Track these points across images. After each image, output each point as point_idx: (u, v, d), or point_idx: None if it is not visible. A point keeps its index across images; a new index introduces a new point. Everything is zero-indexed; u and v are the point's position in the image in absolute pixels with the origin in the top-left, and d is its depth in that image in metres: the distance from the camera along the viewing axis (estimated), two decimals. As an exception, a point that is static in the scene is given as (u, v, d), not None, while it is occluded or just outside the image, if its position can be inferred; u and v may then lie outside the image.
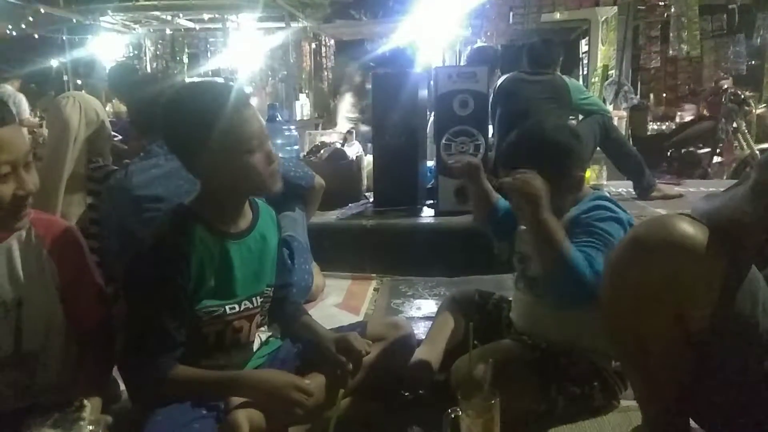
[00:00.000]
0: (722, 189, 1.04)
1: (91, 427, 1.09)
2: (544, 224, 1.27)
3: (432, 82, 3.26)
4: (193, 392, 1.19)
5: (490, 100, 3.20)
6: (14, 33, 7.62)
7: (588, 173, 3.32)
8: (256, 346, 1.40)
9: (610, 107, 5.39)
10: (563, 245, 1.25)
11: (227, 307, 1.29)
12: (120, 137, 3.27)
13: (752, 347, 0.94)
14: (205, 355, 1.29)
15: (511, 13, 6.52)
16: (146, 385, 1.23)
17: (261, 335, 1.43)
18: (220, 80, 4.63)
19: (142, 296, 1.23)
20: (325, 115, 8.30)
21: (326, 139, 4.14)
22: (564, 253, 1.24)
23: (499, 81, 3.39)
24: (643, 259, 0.97)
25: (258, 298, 1.36)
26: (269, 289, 1.40)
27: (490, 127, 3.28)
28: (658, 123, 6.33)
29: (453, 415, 1.13)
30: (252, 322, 1.36)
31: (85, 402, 1.12)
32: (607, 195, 1.49)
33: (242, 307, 1.32)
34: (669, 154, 5.18)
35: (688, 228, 0.95)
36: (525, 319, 1.55)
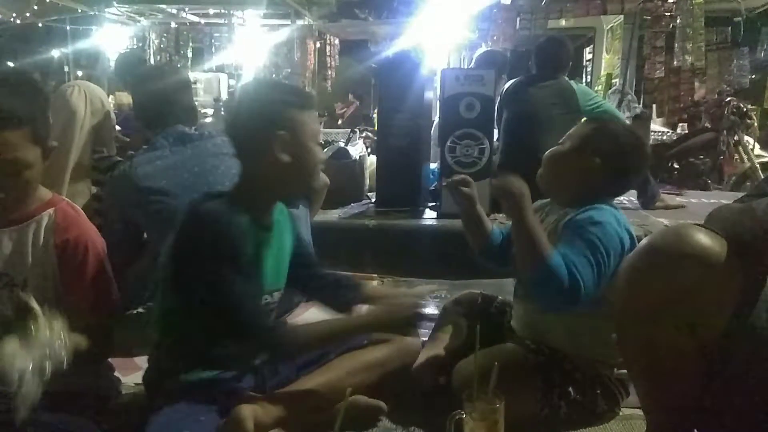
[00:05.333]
0: (725, 201, 1.03)
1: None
2: (526, 225, 1.29)
3: (438, 84, 3.24)
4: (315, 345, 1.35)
5: (497, 104, 3.19)
6: (18, 21, 7.58)
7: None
8: None
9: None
10: (543, 248, 1.26)
11: None
12: (121, 129, 3.25)
13: (765, 362, 0.93)
14: (221, 344, 1.29)
15: (518, 18, 6.52)
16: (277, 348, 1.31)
17: None
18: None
19: (220, 272, 1.20)
20: (327, 115, 8.30)
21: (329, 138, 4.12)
22: (544, 256, 1.25)
23: (506, 85, 3.37)
24: (659, 269, 0.96)
25: (277, 293, 1.39)
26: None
27: (495, 132, 3.26)
28: (660, 133, 6.33)
29: (457, 418, 1.13)
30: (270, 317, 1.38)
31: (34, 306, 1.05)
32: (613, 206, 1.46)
33: (263, 302, 1.34)
34: (670, 164, 5.18)
35: (706, 239, 0.94)
36: (525, 327, 1.54)
